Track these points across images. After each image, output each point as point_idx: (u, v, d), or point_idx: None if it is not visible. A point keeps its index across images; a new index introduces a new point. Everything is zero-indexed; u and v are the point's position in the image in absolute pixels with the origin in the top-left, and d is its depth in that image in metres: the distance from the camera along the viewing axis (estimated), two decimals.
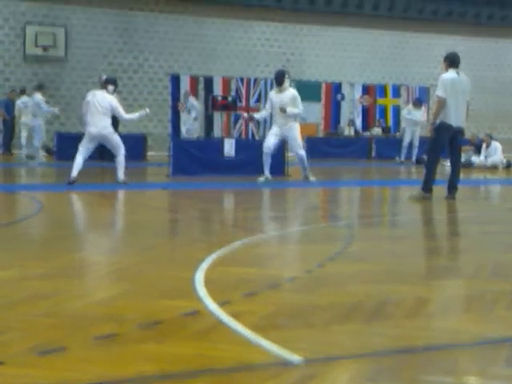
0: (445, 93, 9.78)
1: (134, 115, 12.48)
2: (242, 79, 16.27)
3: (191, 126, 20.63)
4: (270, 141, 12.75)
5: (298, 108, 12.57)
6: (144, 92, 25.28)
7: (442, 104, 9.79)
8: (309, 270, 4.89)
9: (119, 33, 25.06)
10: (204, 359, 3.02)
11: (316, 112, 23.53)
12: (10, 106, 21.91)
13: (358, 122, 24.46)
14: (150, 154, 20.74)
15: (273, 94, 12.86)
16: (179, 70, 24.04)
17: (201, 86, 17.13)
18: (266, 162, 12.75)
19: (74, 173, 11.41)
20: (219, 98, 16.65)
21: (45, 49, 23.77)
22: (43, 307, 3.84)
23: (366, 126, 24.99)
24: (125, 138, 20.00)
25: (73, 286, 4.45)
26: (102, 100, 11.63)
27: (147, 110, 12.31)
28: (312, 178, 12.77)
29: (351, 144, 23.48)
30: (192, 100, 20.72)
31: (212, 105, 16.81)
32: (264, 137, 14.85)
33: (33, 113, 17.90)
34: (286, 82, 12.66)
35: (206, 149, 14.46)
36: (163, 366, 2.93)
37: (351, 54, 28.41)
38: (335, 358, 3.06)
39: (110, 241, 6.61)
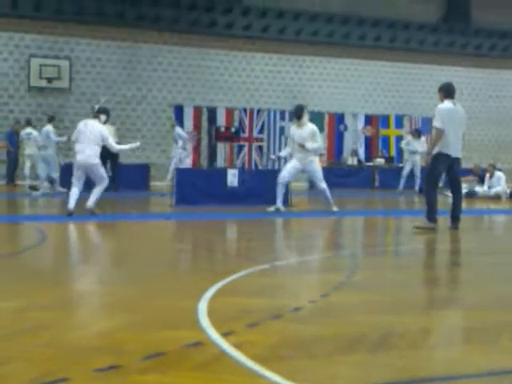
0: (442, 123, 9.81)
1: (125, 146, 12.49)
2: (245, 110, 16.35)
3: (180, 154, 20.85)
4: (288, 173, 12.73)
5: (318, 143, 12.61)
6: (148, 123, 25.36)
7: (440, 135, 9.81)
8: (313, 300, 4.86)
9: (123, 65, 25.24)
10: None
11: (319, 142, 23.60)
12: (13, 137, 22.01)
13: (361, 152, 24.54)
14: (152, 183, 20.78)
15: (292, 129, 12.87)
16: (183, 101, 24.17)
17: (204, 117, 17.22)
18: (280, 193, 12.73)
19: (71, 205, 11.36)
20: (222, 129, 16.71)
21: (49, 81, 23.93)
22: (45, 338, 3.81)
23: (369, 156, 25.04)
24: (128, 168, 20.16)
25: (75, 316, 4.43)
26: (93, 129, 11.61)
27: (138, 143, 12.35)
28: (334, 209, 12.70)
29: (354, 174, 23.51)
30: (178, 130, 20.93)
31: (215, 135, 16.87)
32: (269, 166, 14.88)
33: (44, 144, 18.03)
34: (305, 117, 12.68)
35: (210, 179, 14.50)
36: None
37: (354, 85, 28.54)
38: None
39: (113, 271, 6.58)
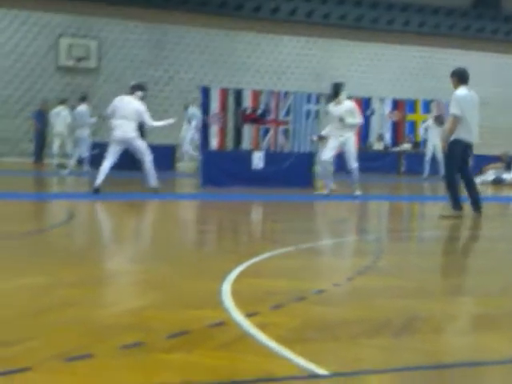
0: (460, 110, 9.66)
1: (160, 123, 12.61)
2: (271, 92, 16.28)
3: (193, 135, 20.91)
4: (328, 154, 12.70)
5: (357, 118, 12.58)
6: (174, 104, 25.41)
7: (457, 122, 9.66)
8: (337, 284, 4.86)
9: (151, 45, 25.27)
10: (230, 370, 3.01)
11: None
12: (42, 116, 22.19)
13: (388, 136, 24.36)
14: (178, 164, 20.85)
15: (331, 107, 12.85)
16: (209, 82, 24.16)
17: (230, 99, 17.17)
18: (328, 174, 12.72)
19: (99, 180, 11.48)
20: (249, 111, 16.67)
21: (78, 60, 24.05)
22: (71, 315, 3.85)
23: (396, 141, 24.86)
24: (154, 149, 20.16)
25: (101, 294, 4.47)
26: (129, 104, 11.73)
27: (172, 120, 12.46)
28: (358, 192, 12.67)
29: (380, 159, 23.39)
30: (194, 109, 20.96)
31: (241, 118, 16.84)
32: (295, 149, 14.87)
33: (78, 124, 18.21)
34: (343, 94, 12.65)
35: (236, 161, 14.51)
36: (189, 376, 2.92)
37: (381, 70, 28.34)
38: (362, 373, 3.03)
39: (139, 250, 6.63)
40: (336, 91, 12.71)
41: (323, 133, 13.87)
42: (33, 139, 22.78)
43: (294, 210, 11.08)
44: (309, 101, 15.64)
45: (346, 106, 12.53)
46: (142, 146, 11.91)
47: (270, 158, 14.67)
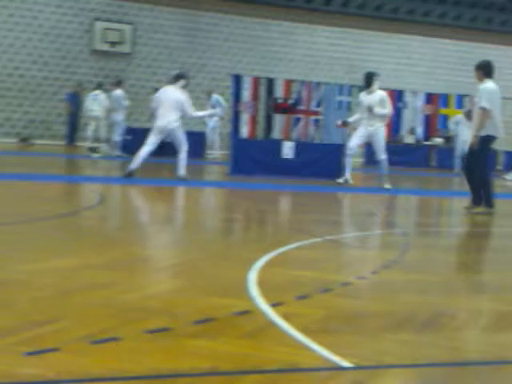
0: (490, 104, 9.52)
1: (201, 113, 12.71)
2: (303, 82, 16.24)
3: (216, 123, 21.05)
4: (354, 142, 12.68)
5: (386, 109, 12.51)
6: (206, 91, 25.44)
7: (488, 116, 9.50)
8: (362, 277, 4.87)
9: (185, 32, 25.32)
10: (254, 359, 3.04)
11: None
12: (75, 99, 22.38)
13: (419, 130, 24.17)
14: (209, 152, 20.91)
15: (362, 96, 12.80)
16: (242, 70, 24.13)
17: (262, 88, 17.17)
18: (348, 164, 12.71)
19: (134, 165, 11.60)
20: (280, 101, 16.65)
21: (112, 45, 24.18)
22: (99, 297, 3.91)
23: (427, 134, 24.66)
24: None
25: (128, 278, 4.52)
26: (172, 95, 11.85)
27: (214, 111, 12.60)
28: (387, 186, 12.61)
29: (411, 152, 23.25)
30: (218, 97, 21.03)
31: (273, 107, 16.83)
32: (325, 139, 14.83)
33: (113, 108, 18.38)
34: (375, 84, 12.60)
35: (266, 150, 14.53)
36: (214, 363, 2.95)
37: (415, 62, 28.11)
38: (386, 367, 3.04)
39: (167, 236, 6.69)
40: (368, 81, 12.66)
41: (350, 119, 13.81)
42: (66, 122, 23.00)
43: (322, 201, 11.08)
44: (341, 92, 15.58)
45: (377, 96, 12.48)
46: (182, 137, 11.99)
47: (300, 148, 14.65)
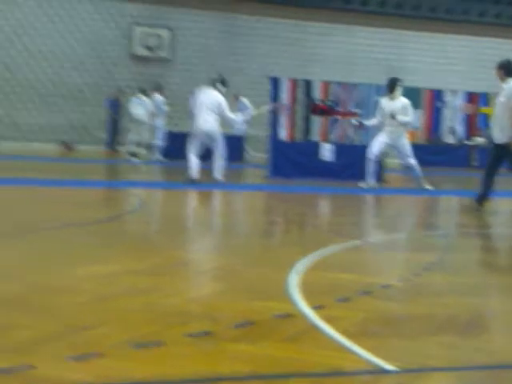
0: None
1: (240, 117, 12.75)
2: (341, 84, 16.18)
3: (242, 125, 21.17)
4: (377, 148, 12.54)
5: (409, 116, 12.40)
6: (244, 94, 25.51)
7: None
8: (404, 279, 4.84)
9: (222, 35, 25.42)
10: (296, 362, 3.04)
11: (416, 119, 23.16)
12: (115, 104, 22.62)
13: (460, 130, 23.91)
14: (247, 155, 20.97)
15: (384, 102, 12.68)
16: (279, 73, 24.11)
17: (300, 90, 17.16)
18: (370, 170, 12.53)
19: (195, 173, 11.70)
20: (318, 102, 16.63)
21: (150, 49, 24.39)
22: (140, 302, 3.94)
23: (468, 134, 24.39)
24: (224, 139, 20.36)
25: (169, 282, 4.56)
26: (211, 97, 11.89)
27: (251, 114, 12.62)
28: (427, 186, 12.48)
29: (451, 152, 23.01)
30: (245, 101, 21.11)
31: (311, 108, 16.82)
32: (364, 141, 14.73)
33: (153, 113, 18.57)
34: (398, 90, 12.46)
35: (304, 152, 14.50)
36: (256, 367, 2.96)
37: (455, 61, 27.81)
38: (428, 370, 3.02)
39: (207, 240, 6.72)
40: (391, 86, 12.48)
41: (367, 123, 13.68)
42: (106, 127, 23.26)
43: (361, 203, 11.03)
44: (379, 93, 15.49)
45: (399, 103, 12.30)
46: (221, 140, 12.05)
47: (339, 149, 14.60)
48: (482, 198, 9.51)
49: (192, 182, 11.59)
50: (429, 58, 27.58)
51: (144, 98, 19.73)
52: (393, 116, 12.16)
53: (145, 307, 3.84)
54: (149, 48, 24.35)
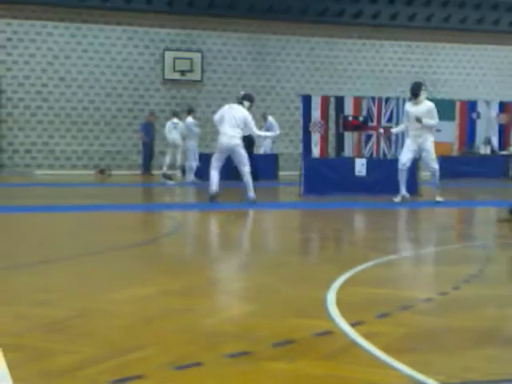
0: None
1: (265, 133, 12.81)
2: (373, 99, 16.14)
3: (269, 144, 21.49)
4: (406, 156, 12.43)
5: (434, 120, 12.31)
6: (276, 113, 25.60)
7: None
8: (443, 293, 4.78)
9: (253, 56, 25.58)
10: (337, 380, 3.02)
11: (450, 131, 22.99)
12: (149, 128, 22.83)
13: (495, 140, 23.67)
14: (281, 173, 20.98)
15: (408, 106, 12.60)
16: (311, 91, 24.19)
17: (331, 106, 17.17)
18: (402, 180, 12.41)
19: (214, 188, 11.77)
20: (350, 118, 16.61)
21: (182, 73, 24.63)
22: (177, 323, 3.96)
23: (503, 144, 24.12)
24: (258, 158, 20.49)
25: (206, 303, 4.57)
26: (237, 113, 11.95)
27: (277, 132, 12.71)
28: (439, 198, 12.34)
29: (487, 163, 22.75)
30: (272, 120, 21.32)
31: (343, 124, 16.82)
32: (396, 155, 14.65)
33: (186, 135, 18.79)
34: (423, 94, 12.36)
35: (338, 168, 14.47)
36: None
37: (487, 72, 27.61)
38: (470, 383, 2.98)
39: (242, 259, 6.72)
40: (415, 91, 12.42)
41: (393, 130, 13.59)
42: (141, 151, 23.47)
43: (395, 218, 10.95)
44: None
45: (424, 107, 12.23)
46: (244, 155, 12.07)
47: (373, 164, 14.54)
48: None
49: (211, 198, 11.66)
50: (460, 70, 27.42)
51: (177, 121, 19.89)
52: (418, 119, 12.07)
53: (182, 328, 3.85)
54: (180, 71, 24.59)
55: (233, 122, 11.90)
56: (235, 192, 14.44)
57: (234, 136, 11.89)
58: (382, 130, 14.21)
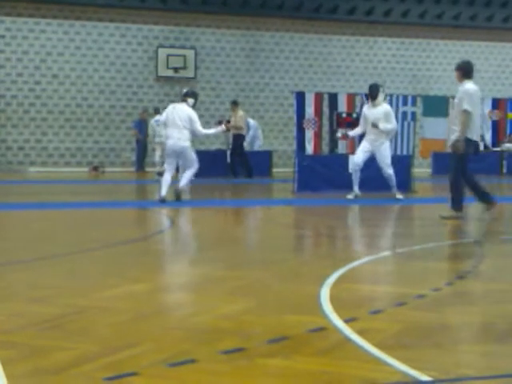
0: (472, 106, 9.17)
1: (210, 130, 12.61)
2: (367, 95, 16.15)
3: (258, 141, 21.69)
4: (359, 157, 12.31)
5: (392, 124, 12.17)
6: (270, 110, 25.61)
7: (469, 119, 9.13)
8: (437, 289, 4.79)
9: (246, 53, 25.55)
10: (331, 376, 3.02)
11: (443, 127, 23.02)
12: (142, 125, 22.80)
13: (488, 136, 23.71)
14: (275, 170, 20.98)
15: (366, 109, 12.43)
16: (304, 87, 24.18)
17: (325, 103, 17.17)
18: (355, 179, 12.36)
19: (163, 191, 11.38)
20: (344, 115, 16.62)
21: (176, 70, 24.58)
22: (173, 320, 3.96)
23: (497, 140, 24.17)
24: (251, 155, 20.49)
25: (200, 299, 4.57)
26: (182, 113, 11.56)
27: (223, 127, 12.50)
28: (399, 196, 12.26)
29: (480, 159, 22.75)
30: (251, 121, 21.51)
31: (336, 121, 16.83)
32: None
33: None
34: (380, 97, 12.16)
35: (331, 165, 14.46)
36: (290, 382, 2.95)
37: (480, 68, 27.62)
38: (466, 379, 2.99)
39: (236, 255, 6.72)
40: (373, 93, 12.20)
41: (350, 133, 13.48)
42: (134, 149, 23.45)
43: (389, 214, 10.96)
44: (405, 103, 15.44)
45: (381, 110, 12.07)
46: (193, 157, 11.72)
47: (367, 161, 14.52)
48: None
49: (161, 201, 11.31)
50: (453, 66, 27.43)
51: (159, 117, 19.98)
52: (375, 125, 11.92)
53: (177, 325, 3.85)
54: (174, 68, 24.54)
55: (178, 123, 11.45)
56: (237, 188, 14.45)
57: (180, 138, 11.44)
58: (339, 135, 14.21)
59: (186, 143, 11.54)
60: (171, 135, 11.52)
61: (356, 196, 12.34)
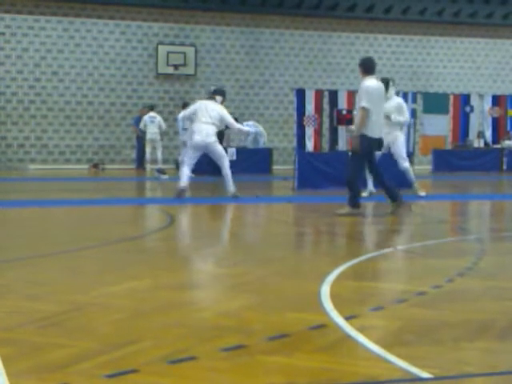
0: (370, 103, 9.12)
1: (244, 127, 12.67)
2: None
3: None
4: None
5: (404, 116, 12.21)
6: (270, 107, 25.59)
7: (366, 115, 9.11)
8: (437, 286, 4.79)
9: (246, 50, 25.52)
10: (332, 373, 3.02)
11: (444, 124, 23.03)
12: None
13: (488, 133, 23.71)
14: (275, 167, 20.97)
15: None
16: (304, 84, 24.16)
17: (325, 100, 17.16)
18: (370, 176, 12.38)
19: (184, 182, 11.58)
20: (344, 112, 16.61)
21: (176, 67, 24.56)
22: (174, 317, 3.95)
23: (497, 137, 24.17)
24: (251, 152, 20.48)
25: (201, 297, 4.56)
26: (211, 109, 11.67)
27: (251, 130, 12.58)
28: (421, 193, 12.28)
29: (481, 156, 22.79)
30: (249, 124, 21.55)
31: (337, 119, 16.83)
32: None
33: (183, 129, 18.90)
34: (391, 90, 12.19)
35: (331, 162, 14.45)
36: (291, 379, 2.95)
37: (480, 65, 27.62)
38: (466, 376, 2.98)
39: (237, 253, 6.71)
40: (384, 87, 12.23)
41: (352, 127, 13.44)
42: (134, 146, 23.43)
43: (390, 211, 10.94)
44: (405, 100, 15.43)
45: (393, 103, 12.09)
46: (221, 151, 11.87)
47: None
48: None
49: (180, 192, 11.50)
50: (454, 63, 27.44)
51: (154, 114, 20.02)
52: (387, 117, 11.92)
53: (178, 322, 3.84)
54: (174, 66, 24.52)
55: (206, 120, 11.55)
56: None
57: (208, 133, 11.55)
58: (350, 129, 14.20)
59: (213, 138, 11.69)
60: (199, 131, 11.61)
61: (371, 193, 12.32)
